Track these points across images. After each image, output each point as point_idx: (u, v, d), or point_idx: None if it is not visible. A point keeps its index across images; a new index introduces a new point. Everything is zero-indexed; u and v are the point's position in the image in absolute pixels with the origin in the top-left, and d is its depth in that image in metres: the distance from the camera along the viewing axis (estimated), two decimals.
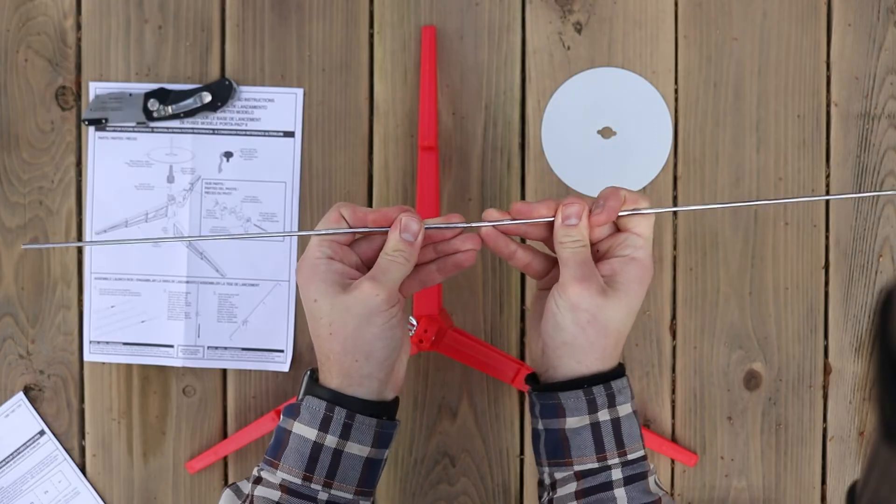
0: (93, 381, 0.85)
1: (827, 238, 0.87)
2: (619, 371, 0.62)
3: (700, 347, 0.87)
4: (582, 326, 0.60)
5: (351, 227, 0.62)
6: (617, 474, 0.60)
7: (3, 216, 0.85)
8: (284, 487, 0.60)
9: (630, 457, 0.61)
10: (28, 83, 0.85)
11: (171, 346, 0.84)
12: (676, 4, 0.86)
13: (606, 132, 0.85)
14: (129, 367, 0.85)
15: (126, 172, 0.84)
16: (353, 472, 0.61)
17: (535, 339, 0.65)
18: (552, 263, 0.66)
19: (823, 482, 0.88)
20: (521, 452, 0.86)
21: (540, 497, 0.63)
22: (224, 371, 0.85)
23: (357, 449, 0.61)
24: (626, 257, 0.62)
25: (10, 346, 0.85)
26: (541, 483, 0.64)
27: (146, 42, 0.84)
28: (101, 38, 0.85)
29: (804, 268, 0.87)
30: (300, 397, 0.62)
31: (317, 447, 0.60)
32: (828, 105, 0.87)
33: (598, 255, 0.63)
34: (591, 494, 0.60)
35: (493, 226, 0.63)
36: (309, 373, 0.63)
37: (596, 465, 0.61)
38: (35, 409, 0.85)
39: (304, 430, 0.60)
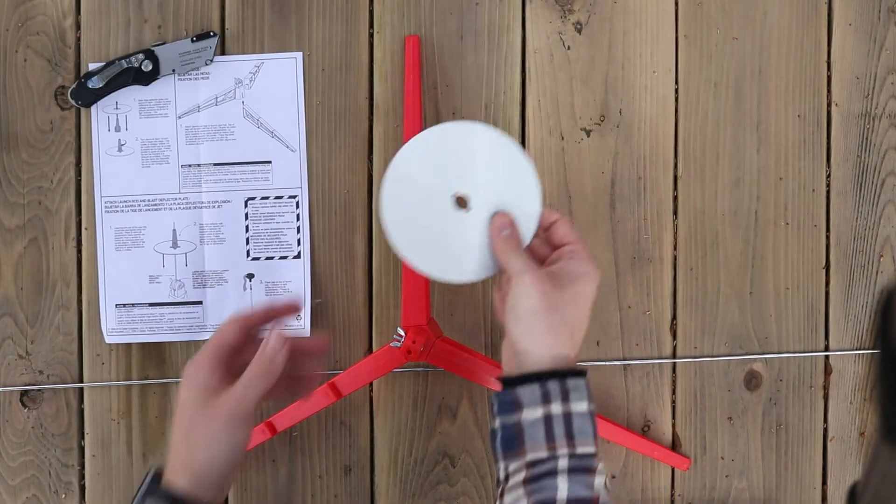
0: (92, 382, 0.85)
1: (827, 238, 0.87)
2: (578, 372, 0.65)
3: (700, 347, 0.87)
4: (535, 311, 0.64)
5: (248, 331, 0.69)
6: (563, 464, 0.63)
7: (2, 216, 0.85)
8: None
9: (579, 450, 0.63)
10: (27, 83, 0.84)
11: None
12: (676, 4, 0.86)
13: (461, 202, 0.69)
14: (128, 367, 0.85)
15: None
16: None
17: (504, 349, 0.68)
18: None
19: (824, 482, 0.88)
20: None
21: (495, 493, 0.65)
22: None
23: None
24: (567, 259, 0.67)
25: (10, 346, 0.85)
26: (497, 480, 0.66)
27: (145, 42, 0.84)
28: (101, 38, 0.84)
29: (804, 268, 0.87)
30: (137, 496, 0.66)
31: None
32: (828, 105, 0.86)
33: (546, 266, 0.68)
34: (536, 481, 0.62)
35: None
36: (154, 473, 0.67)
37: (545, 455, 0.63)
38: (35, 409, 0.85)
39: None
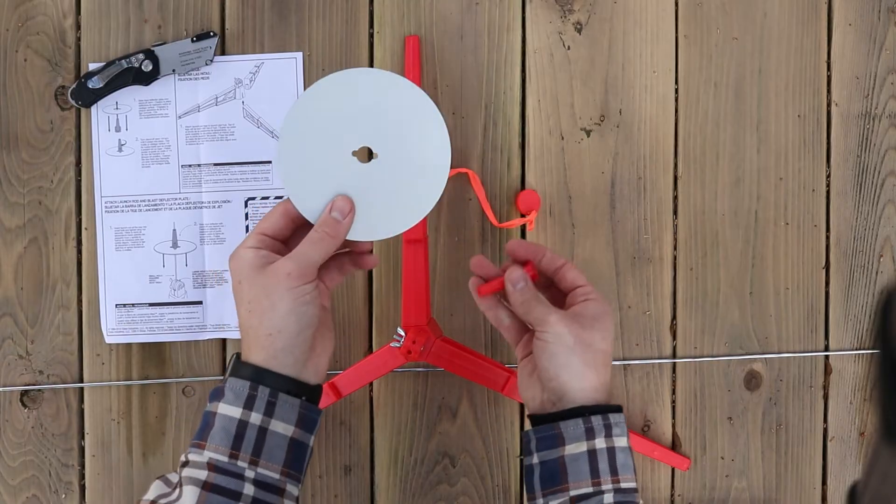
0: (92, 382, 0.85)
1: (827, 238, 0.87)
2: (617, 407, 0.66)
3: (700, 347, 0.87)
4: (570, 347, 0.65)
5: (294, 222, 0.67)
6: (609, 499, 0.63)
7: (2, 216, 0.85)
8: (212, 466, 0.61)
9: (623, 485, 0.64)
10: (27, 83, 0.84)
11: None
12: (676, 4, 0.86)
13: (364, 154, 0.67)
14: (128, 367, 0.85)
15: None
16: (279, 451, 0.63)
17: (530, 390, 0.69)
18: (524, 329, 0.72)
19: (824, 482, 0.88)
20: (522, 453, 0.86)
21: None
22: (224, 371, 0.85)
23: (282, 427, 0.63)
24: (584, 301, 0.68)
25: (10, 346, 0.85)
26: None
27: (146, 42, 0.84)
28: (101, 38, 0.84)
29: (804, 268, 0.87)
30: (224, 380, 0.64)
31: (242, 424, 0.62)
32: (828, 105, 0.86)
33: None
34: None
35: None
36: (235, 356, 0.66)
37: (590, 490, 0.63)
38: (35, 409, 0.85)
39: (229, 410, 0.62)
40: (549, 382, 0.66)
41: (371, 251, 0.71)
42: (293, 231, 0.68)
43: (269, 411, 0.62)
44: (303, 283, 0.64)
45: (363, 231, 0.67)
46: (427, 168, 0.67)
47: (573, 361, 0.65)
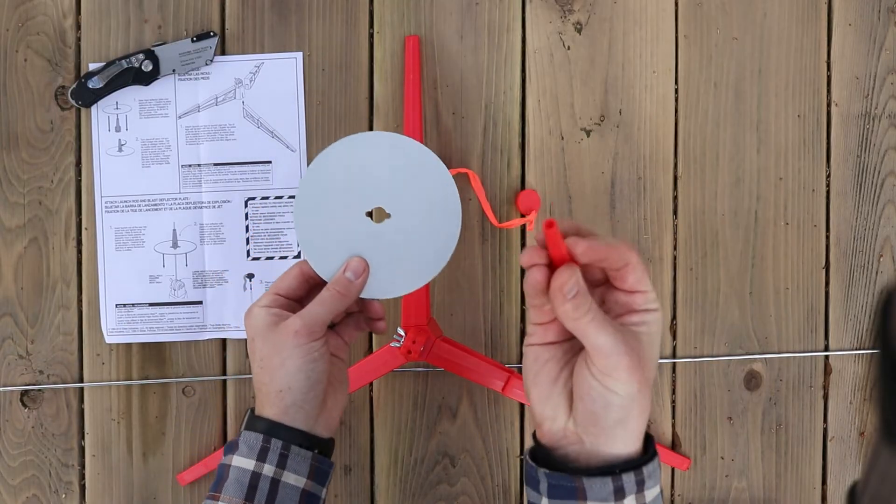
0: (92, 382, 0.85)
1: (827, 238, 0.87)
2: (650, 452, 0.57)
3: (700, 347, 0.87)
4: (633, 397, 0.54)
5: (308, 283, 0.68)
6: None
7: (2, 216, 0.85)
8: None
9: None
10: (28, 83, 0.84)
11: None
12: (676, 4, 0.86)
13: (378, 215, 0.68)
14: (128, 367, 0.85)
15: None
16: (291, 503, 0.64)
17: (549, 405, 0.57)
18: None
19: (824, 482, 0.88)
20: (521, 452, 0.86)
21: None
22: (224, 371, 0.85)
23: (294, 479, 0.64)
24: (643, 312, 0.56)
25: (10, 346, 0.85)
26: None
27: (146, 42, 0.84)
28: (101, 38, 0.84)
29: (804, 268, 0.87)
30: (239, 434, 0.66)
31: (255, 476, 0.64)
32: (828, 105, 0.87)
33: (615, 312, 0.57)
34: None
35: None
36: (249, 411, 0.67)
37: None
38: (35, 409, 0.85)
39: (243, 462, 0.64)
40: (590, 427, 0.55)
41: (382, 318, 0.70)
42: (308, 291, 0.69)
43: (282, 463, 0.64)
44: (310, 340, 0.65)
45: (377, 289, 0.68)
46: (438, 227, 0.68)
47: (632, 413, 0.55)
